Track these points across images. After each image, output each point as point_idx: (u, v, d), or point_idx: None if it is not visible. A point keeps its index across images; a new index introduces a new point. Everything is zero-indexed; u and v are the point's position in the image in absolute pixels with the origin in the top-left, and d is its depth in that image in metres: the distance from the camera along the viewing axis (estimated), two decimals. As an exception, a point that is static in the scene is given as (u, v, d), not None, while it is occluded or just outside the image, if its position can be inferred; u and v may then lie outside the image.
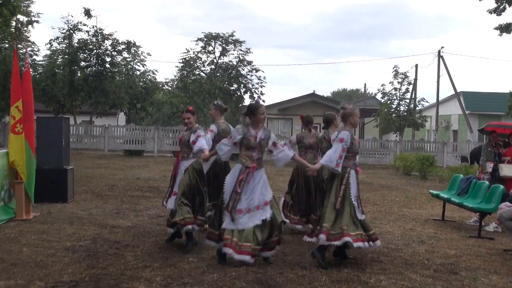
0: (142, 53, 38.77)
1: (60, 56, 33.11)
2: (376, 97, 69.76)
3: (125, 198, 12.69)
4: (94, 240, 8.01)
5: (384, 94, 38.98)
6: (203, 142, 7.60)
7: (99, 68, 32.42)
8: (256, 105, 7.07)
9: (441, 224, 10.95)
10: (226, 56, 43.55)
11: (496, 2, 28.70)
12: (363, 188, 16.67)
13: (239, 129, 6.94)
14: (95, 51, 32.51)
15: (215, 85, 38.33)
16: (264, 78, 45.21)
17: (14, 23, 21.02)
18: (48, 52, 33.74)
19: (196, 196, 7.65)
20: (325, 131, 8.94)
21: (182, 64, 41.80)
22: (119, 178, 17.03)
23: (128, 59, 38.18)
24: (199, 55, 42.93)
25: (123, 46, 33.83)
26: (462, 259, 7.78)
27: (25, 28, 32.67)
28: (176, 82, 42.24)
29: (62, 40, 32.65)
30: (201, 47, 42.90)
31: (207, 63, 43.54)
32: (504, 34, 29.16)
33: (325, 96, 68.06)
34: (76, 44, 32.25)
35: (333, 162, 6.92)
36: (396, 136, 39.30)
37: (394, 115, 38.39)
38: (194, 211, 7.56)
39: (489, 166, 11.51)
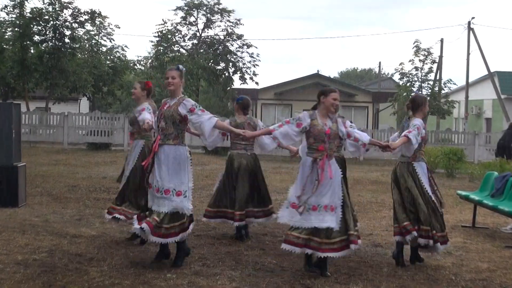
0: (109, 25, 38.79)
1: (8, 29, 33.04)
2: (393, 78, 70.22)
3: (88, 202, 12.67)
4: (51, 252, 7.98)
5: (402, 74, 39.08)
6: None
7: (57, 43, 32.34)
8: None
9: (471, 231, 10.99)
10: (211, 28, 43.48)
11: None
12: (377, 189, 16.74)
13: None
14: (51, 22, 32.40)
15: (198, 64, 38.28)
16: (258, 56, 45.10)
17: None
18: (-6, 24, 33.67)
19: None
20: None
21: (157, 39, 41.68)
22: (82, 177, 17.00)
23: (92, 33, 38.12)
24: (179, 27, 42.82)
25: (86, 17, 33.74)
26: (497, 274, 7.81)
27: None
28: (150, 61, 42.18)
29: (11, 9, 32.52)
30: (181, 17, 42.79)
31: (188, 37, 43.46)
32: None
33: (331, 77, 68.08)
34: (28, 14, 32.12)
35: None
36: (418, 125, 39.34)
37: (415, 100, 38.41)
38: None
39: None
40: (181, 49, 42.67)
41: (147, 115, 8.12)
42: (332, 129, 7.33)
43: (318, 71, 54.03)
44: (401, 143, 7.75)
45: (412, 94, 8.18)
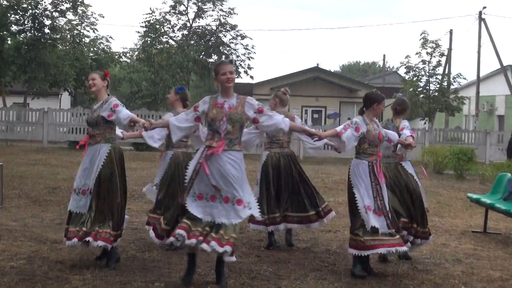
0: (92, 15, 38.72)
1: (-17, 18, 32.95)
2: (399, 72, 70.27)
3: (70, 205, 12.64)
4: (30, 259, 7.97)
5: (408, 68, 39.07)
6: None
7: (36, 34, 32.28)
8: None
9: (483, 237, 11.01)
10: (202, 18, 43.56)
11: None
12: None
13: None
14: (30, 11, 32.35)
15: (188, 57, 38.27)
16: (253, 48, 45.33)
17: None
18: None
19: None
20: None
21: (144, 29, 41.65)
22: (63, 178, 16.97)
23: (74, 23, 38.04)
24: (167, 17, 42.89)
25: (67, 5, 33.69)
26: (510, 283, 7.83)
27: None
28: (137, 53, 42.14)
29: (-14, -3, 32.49)
30: (170, 6, 42.85)
31: (177, 27, 43.51)
32: None
33: (332, 71, 68.16)
34: (5, 3, 32.06)
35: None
36: (425, 123, 39.46)
37: (421, 96, 38.51)
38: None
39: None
40: (170, 41, 42.68)
41: (128, 112, 7.68)
42: (381, 133, 8.05)
43: (317, 64, 54.20)
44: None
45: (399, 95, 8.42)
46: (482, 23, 40.45)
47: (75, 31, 38.93)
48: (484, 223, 11.55)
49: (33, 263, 7.78)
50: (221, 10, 42.93)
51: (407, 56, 40.07)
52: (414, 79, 38.68)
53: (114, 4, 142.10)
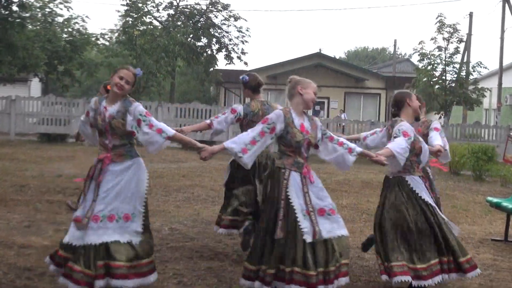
0: (66, -9, 38.55)
1: None
2: (411, 60, 70.30)
3: (40, 205, 12.66)
4: (-5, 266, 7.99)
5: (422, 55, 39.09)
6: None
7: (2, 12, 32.19)
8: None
9: (504, 246, 11.05)
10: (191, -4, 43.46)
11: None
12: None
13: (92, 101, 7.26)
14: (-4, -14, 32.29)
15: (174, 40, 38.23)
16: (248, 30, 45.08)
17: None
18: None
19: None
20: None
21: (125, 8, 41.59)
22: (32, 175, 16.97)
23: (46, 0, 37.94)
24: (152, -6, 42.78)
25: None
26: (533, 298, 7.85)
27: None
28: (117, 34, 42.08)
29: None
30: (155, -18, 42.74)
31: (162, 6, 43.42)
32: None
33: (336, 57, 68.19)
34: (-33, -24, 32.01)
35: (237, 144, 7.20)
36: (440, 117, 39.51)
37: (437, 86, 38.53)
38: None
39: None
40: (154, 21, 42.60)
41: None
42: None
43: (320, 50, 54.18)
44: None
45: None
46: (506, 5, 40.49)
47: (47, 9, 38.81)
48: (505, 231, 11.58)
49: (-2, 270, 7.80)
50: (212, -13, 43.01)
51: (421, 42, 40.20)
52: (429, 67, 38.68)
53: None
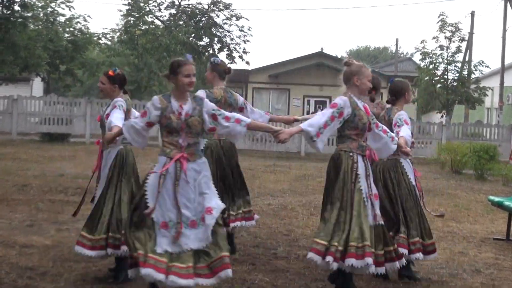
0: (68, -10, 38.57)
1: None
2: (413, 59, 70.21)
3: (42, 205, 12.65)
4: (-4, 265, 8.00)
5: (424, 54, 39.11)
6: (115, 115, 7.59)
7: (5, 11, 32.20)
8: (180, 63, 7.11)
9: (505, 245, 11.03)
10: (193, -5, 43.46)
11: None
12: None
13: (156, 100, 6.91)
14: (-2, -15, 32.30)
15: (176, 39, 38.25)
16: (249, 30, 45.08)
17: None
18: None
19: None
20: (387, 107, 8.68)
21: (127, 8, 41.62)
22: (34, 174, 16.96)
23: (48, 0, 37.94)
24: (153, -6, 42.79)
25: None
26: (535, 297, 7.85)
27: None
28: (118, 34, 42.10)
29: None
30: (156, -18, 42.74)
31: (164, 6, 43.41)
32: None
33: (338, 56, 68.08)
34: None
35: (314, 128, 7.17)
36: (442, 116, 39.51)
37: (439, 85, 38.54)
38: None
39: None
40: (156, 20, 42.62)
41: (115, 117, 7.68)
42: None
43: (321, 49, 54.08)
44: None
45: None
46: (508, 4, 40.45)
47: (49, 9, 38.83)
48: (507, 230, 11.56)
49: (0, 269, 7.79)
50: (214, -14, 42.99)
51: (422, 41, 40.05)
52: (431, 66, 38.71)
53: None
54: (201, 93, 8.64)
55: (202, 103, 6.91)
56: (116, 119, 7.44)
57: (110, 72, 7.92)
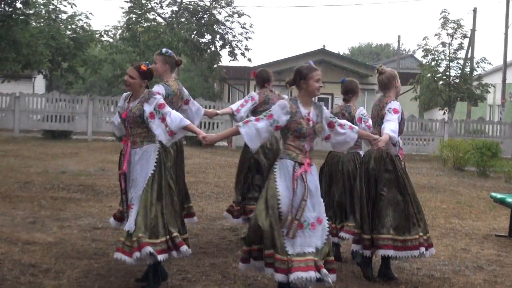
0: (70, -13, 38.56)
1: None
2: (415, 55, 70.16)
3: (44, 202, 12.68)
4: (0, 262, 8.02)
5: (426, 51, 39.03)
6: (176, 114, 7.36)
7: (6, 9, 32.18)
8: (309, 68, 7.13)
9: (508, 242, 11.04)
10: (195, -8, 43.42)
11: None
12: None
13: (286, 106, 6.88)
14: (0, -17, 32.29)
15: (178, 36, 38.19)
16: (251, 27, 44.96)
17: None
18: None
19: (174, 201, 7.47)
20: (345, 105, 9.41)
21: (129, 5, 41.58)
22: (36, 171, 16.98)
23: (50, -4, 37.93)
24: (155, -9, 42.75)
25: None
26: (537, 293, 7.85)
27: None
28: (120, 31, 42.06)
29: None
30: (158, -21, 42.71)
31: (166, 3, 43.36)
32: None
33: (340, 53, 68.10)
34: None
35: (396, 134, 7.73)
36: (444, 113, 39.48)
37: (441, 82, 38.49)
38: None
39: None
40: (157, 18, 42.57)
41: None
42: None
43: (324, 46, 54.07)
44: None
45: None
46: (510, 1, 40.39)
47: (51, 6, 38.78)
48: (509, 226, 11.57)
49: (3, 266, 7.81)
50: (216, -17, 42.92)
51: (425, 38, 39.97)
52: (433, 63, 38.63)
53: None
54: (158, 88, 8.31)
55: (322, 110, 7.09)
56: (181, 117, 7.33)
57: (143, 67, 7.50)
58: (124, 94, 7.50)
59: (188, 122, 7.25)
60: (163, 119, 7.19)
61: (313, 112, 6.95)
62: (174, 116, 7.20)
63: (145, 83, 7.51)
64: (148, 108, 7.25)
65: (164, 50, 8.81)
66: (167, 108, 7.29)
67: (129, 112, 7.36)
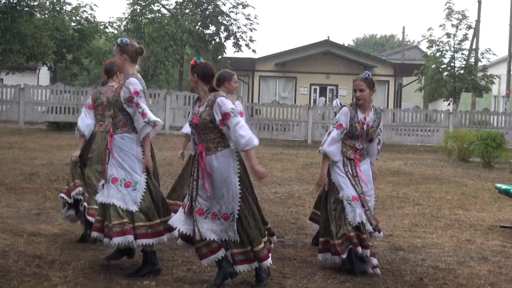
0: (74, -21, 38.53)
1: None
2: (420, 47, 70.05)
3: (49, 193, 12.70)
4: (5, 254, 7.99)
5: (431, 42, 39.02)
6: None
7: (11, 0, 32.20)
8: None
9: (512, 233, 11.03)
10: (199, -16, 43.37)
11: None
12: (398, 181, 16.78)
13: (347, 111, 7.98)
14: (4, -25, 32.27)
15: (182, 27, 38.20)
16: (256, 18, 44.99)
17: None
18: None
19: None
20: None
21: (134, -4, 41.59)
22: (41, 163, 16.98)
23: (54, -12, 37.94)
24: (160, -18, 42.72)
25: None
26: (542, 284, 7.84)
27: None
28: (125, 23, 42.06)
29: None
30: (163, -30, 42.66)
31: (171, -6, 43.36)
32: None
33: (344, 45, 68.00)
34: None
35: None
36: (449, 104, 39.43)
37: (446, 73, 38.45)
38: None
39: None
40: (162, 9, 42.59)
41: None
42: None
43: (328, 37, 53.93)
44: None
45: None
46: (515, -9, 40.28)
47: (55, -2, 38.87)
48: (514, 217, 11.57)
49: (8, 258, 7.80)
50: (220, -26, 42.89)
51: (429, 29, 40.34)
52: (437, 54, 38.63)
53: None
54: (134, 80, 7.48)
55: (381, 116, 8.29)
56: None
57: (192, 62, 7.28)
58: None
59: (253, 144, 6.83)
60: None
61: (371, 117, 8.02)
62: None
63: (206, 84, 7.10)
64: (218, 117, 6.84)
65: (119, 40, 7.82)
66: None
67: (199, 118, 6.95)
